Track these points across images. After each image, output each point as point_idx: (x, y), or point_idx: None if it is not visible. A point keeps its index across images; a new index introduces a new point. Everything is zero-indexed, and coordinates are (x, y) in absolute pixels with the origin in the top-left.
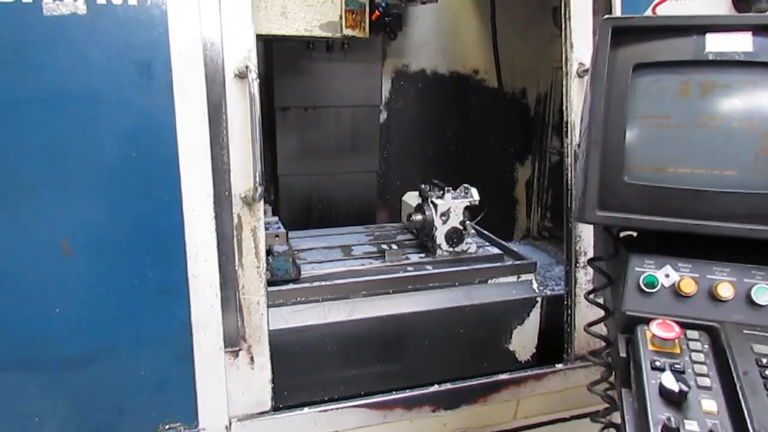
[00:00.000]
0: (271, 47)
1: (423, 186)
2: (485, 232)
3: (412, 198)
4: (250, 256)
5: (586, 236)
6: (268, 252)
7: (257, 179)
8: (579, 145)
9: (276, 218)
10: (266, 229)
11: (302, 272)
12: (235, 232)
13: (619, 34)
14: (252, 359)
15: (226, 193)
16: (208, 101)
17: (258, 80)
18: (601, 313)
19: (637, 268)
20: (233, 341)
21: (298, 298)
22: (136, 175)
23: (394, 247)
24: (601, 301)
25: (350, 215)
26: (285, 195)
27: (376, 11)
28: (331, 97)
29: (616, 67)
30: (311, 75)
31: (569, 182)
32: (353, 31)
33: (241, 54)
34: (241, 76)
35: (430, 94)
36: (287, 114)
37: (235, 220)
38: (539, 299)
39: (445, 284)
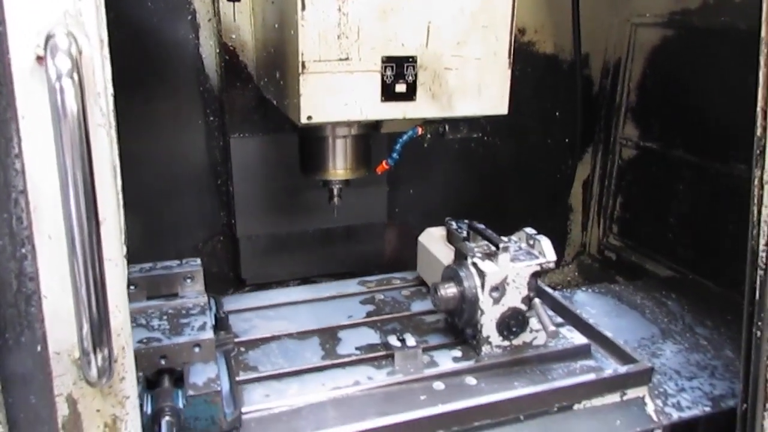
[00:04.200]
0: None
1: (456, 226)
2: (543, 287)
3: (434, 242)
4: None
5: None
6: (177, 381)
7: (88, 329)
8: None
9: (198, 291)
10: (177, 322)
11: (246, 408)
12: None
13: None
14: None
15: (38, 350)
16: None
17: (77, 80)
18: None
19: None
20: None
21: None
22: None
23: (410, 338)
24: None
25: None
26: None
27: (383, 163)
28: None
29: None
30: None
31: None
32: None
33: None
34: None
35: None
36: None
37: (63, 410)
38: None
39: (503, 420)
